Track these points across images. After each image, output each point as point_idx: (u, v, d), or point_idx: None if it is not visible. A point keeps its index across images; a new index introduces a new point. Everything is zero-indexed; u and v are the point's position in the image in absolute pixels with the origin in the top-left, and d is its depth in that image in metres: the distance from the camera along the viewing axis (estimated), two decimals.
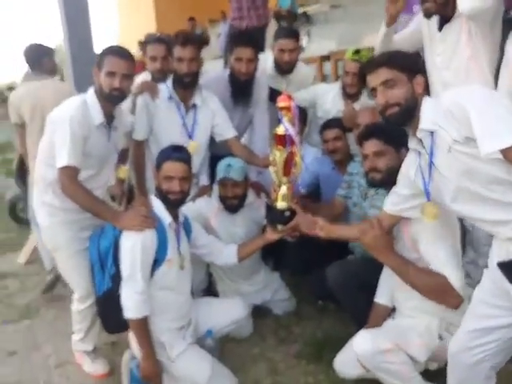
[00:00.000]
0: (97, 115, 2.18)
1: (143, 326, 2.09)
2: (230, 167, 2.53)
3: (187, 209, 2.43)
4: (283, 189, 2.19)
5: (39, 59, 3.45)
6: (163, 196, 2.18)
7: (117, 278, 2.12)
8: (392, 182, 1.99)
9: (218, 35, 10.78)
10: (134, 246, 2.03)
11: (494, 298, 1.56)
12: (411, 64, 1.65)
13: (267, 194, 2.65)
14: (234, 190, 2.57)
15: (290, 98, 2.14)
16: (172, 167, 2.15)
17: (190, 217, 2.44)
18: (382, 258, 1.86)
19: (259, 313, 2.84)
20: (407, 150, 1.92)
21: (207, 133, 2.76)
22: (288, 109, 2.11)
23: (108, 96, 2.17)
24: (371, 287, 2.22)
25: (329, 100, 3.13)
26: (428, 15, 2.36)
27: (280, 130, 2.12)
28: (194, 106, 2.68)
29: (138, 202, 2.25)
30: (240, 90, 2.85)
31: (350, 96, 3.00)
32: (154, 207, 2.17)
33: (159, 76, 2.91)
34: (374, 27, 5.48)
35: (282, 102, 2.13)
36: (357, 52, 2.98)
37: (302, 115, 2.98)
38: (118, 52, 2.17)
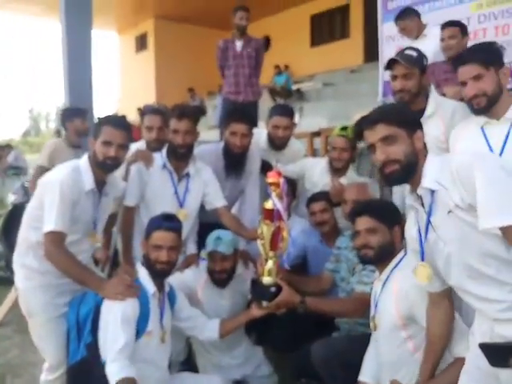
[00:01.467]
0: (88, 181, 2.20)
1: None
2: (220, 240, 2.51)
3: (174, 278, 2.39)
4: (269, 263, 2.18)
5: (62, 122, 3.99)
6: (150, 265, 2.15)
7: (92, 347, 2.04)
8: (383, 259, 2.00)
9: (214, 107, 11.25)
10: (114, 317, 1.97)
11: (478, 382, 1.49)
12: (410, 119, 1.58)
13: (255, 263, 2.62)
14: (223, 264, 2.53)
15: (279, 174, 2.19)
16: (161, 236, 2.14)
17: (176, 287, 2.39)
18: None
19: None
20: (400, 227, 1.95)
21: (198, 201, 2.79)
22: (277, 185, 2.15)
23: (102, 164, 2.21)
24: (355, 367, 2.15)
25: (316, 173, 3.20)
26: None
27: (268, 205, 2.15)
28: (187, 175, 2.73)
29: (123, 270, 2.21)
30: (233, 162, 2.93)
31: (336, 170, 3.07)
32: (139, 276, 2.13)
33: (155, 145, 2.97)
34: (364, 105, 5.79)
35: (271, 178, 2.17)
36: (344, 129, 3.09)
37: (292, 187, 3.04)
38: (116, 122, 2.24)
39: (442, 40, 3.48)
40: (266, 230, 2.15)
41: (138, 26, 15.99)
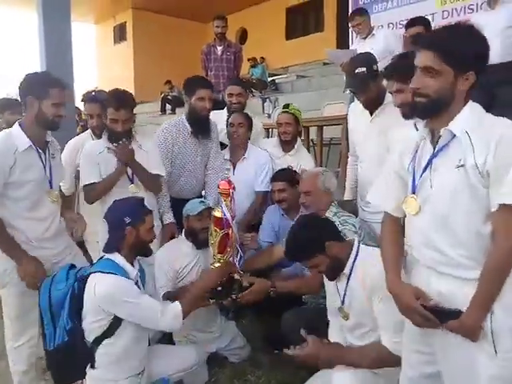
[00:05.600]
0: (21, 141, 2.28)
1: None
2: (205, 199, 2.75)
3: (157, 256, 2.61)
4: (217, 265, 2.40)
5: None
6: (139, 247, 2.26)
7: (74, 332, 2.12)
8: (336, 272, 2.08)
9: None
10: (131, 297, 2.10)
11: (416, 343, 1.64)
12: (466, 59, 1.42)
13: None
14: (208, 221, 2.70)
15: (229, 183, 2.36)
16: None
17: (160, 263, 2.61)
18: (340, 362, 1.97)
19: (216, 360, 2.87)
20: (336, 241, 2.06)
21: None
22: (227, 194, 2.32)
23: (52, 122, 2.31)
24: (323, 334, 2.29)
25: (269, 149, 3.57)
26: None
27: (218, 213, 2.33)
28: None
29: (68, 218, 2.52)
30: (201, 125, 3.19)
31: (285, 144, 3.50)
32: (117, 263, 2.20)
33: (97, 131, 3.19)
34: (335, 97, 6.00)
35: (222, 188, 2.34)
36: (286, 106, 3.54)
37: None
38: (63, 84, 2.35)
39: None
40: (214, 235, 2.35)
41: (117, 16, 15.86)
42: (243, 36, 15.37)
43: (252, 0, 13.74)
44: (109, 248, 2.23)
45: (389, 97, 2.68)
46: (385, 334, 1.91)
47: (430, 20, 4.91)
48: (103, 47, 17.27)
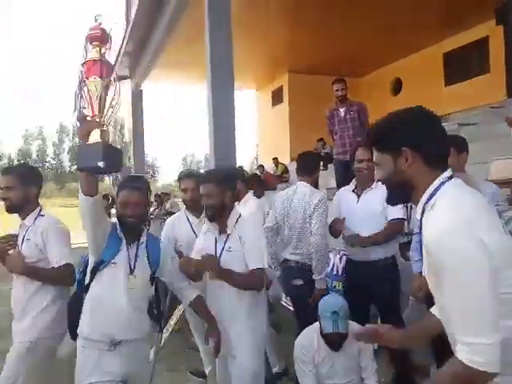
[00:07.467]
0: None
1: None
2: (337, 316, 2.66)
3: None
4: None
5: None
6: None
7: (80, 283, 2.38)
8: None
9: None
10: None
11: None
12: None
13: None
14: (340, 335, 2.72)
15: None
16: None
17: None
18: None
19: None
20: None
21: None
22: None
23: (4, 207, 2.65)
24: None
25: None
26: None
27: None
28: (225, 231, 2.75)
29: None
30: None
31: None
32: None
33: (191, 204, 3.39)
34: (504, 148, 5.36)
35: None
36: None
37: None
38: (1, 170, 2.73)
39: None
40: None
41: (274, 81, 17.29)
42: (397, 87, 15.13)
43: (406, 51, 13.53)
44: None
45: None
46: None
47: None
48: (262, 110, 18.97)
